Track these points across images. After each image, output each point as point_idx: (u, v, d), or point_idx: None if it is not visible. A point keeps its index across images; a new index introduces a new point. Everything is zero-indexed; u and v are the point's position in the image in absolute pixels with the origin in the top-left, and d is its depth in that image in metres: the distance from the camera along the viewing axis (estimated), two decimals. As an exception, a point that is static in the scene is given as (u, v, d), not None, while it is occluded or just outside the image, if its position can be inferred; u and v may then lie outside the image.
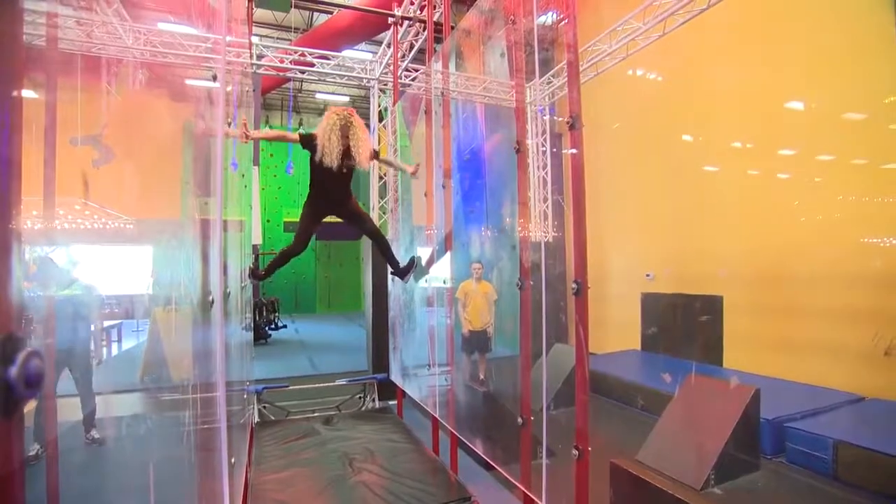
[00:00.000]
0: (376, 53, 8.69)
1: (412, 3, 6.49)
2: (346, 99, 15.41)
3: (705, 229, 6.24)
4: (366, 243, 11.32)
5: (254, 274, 3.87)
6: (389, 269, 3.98)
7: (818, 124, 5.06)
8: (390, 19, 6.27)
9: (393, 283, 6.16)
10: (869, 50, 4.37)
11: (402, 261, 3.96)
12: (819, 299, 5.01)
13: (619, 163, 7.28)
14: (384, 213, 7.76)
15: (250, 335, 6.41)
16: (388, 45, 7.63)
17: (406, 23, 6.57)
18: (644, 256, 7.36)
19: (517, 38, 3.23)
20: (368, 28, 8.76)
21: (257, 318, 11.33)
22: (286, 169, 14.78)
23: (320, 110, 15.99)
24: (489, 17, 3.72)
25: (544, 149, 8.12)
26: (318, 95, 15.88)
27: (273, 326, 12.32)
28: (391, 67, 7.31)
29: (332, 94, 15.29)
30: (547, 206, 8.01)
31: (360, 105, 13.84)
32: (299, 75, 7.67)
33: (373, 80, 8.22)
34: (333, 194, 3.42)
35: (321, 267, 18.15)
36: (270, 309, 12.51)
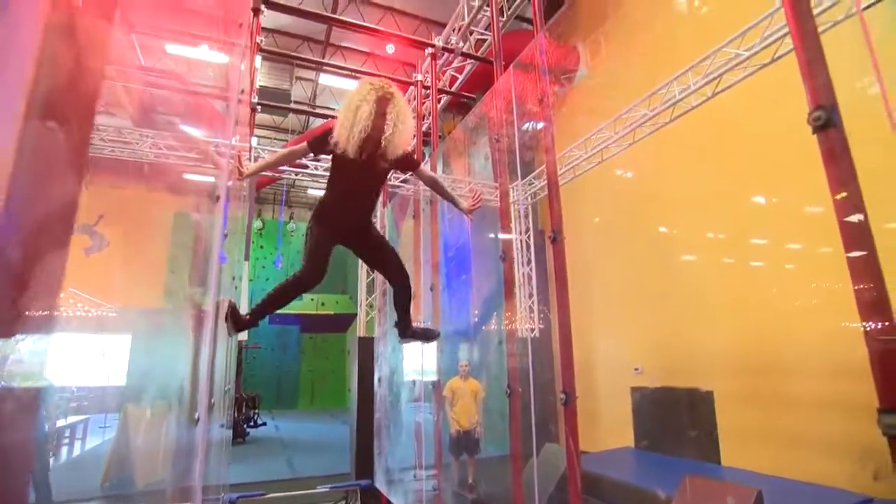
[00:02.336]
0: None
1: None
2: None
3: (690, 320, 6.34)
4: (353, 337, 11.13)
5: (235, 320, 2.44)
6: (396, 326, 2.93)
7: (784, 216, 5.37)
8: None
9: (379, 385, 6.03)
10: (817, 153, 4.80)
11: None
12: (811, 389, 4.96)
13: (604, 255, 7.54)
14: (371, 309, 7.78)
15: (229, 433, 6.11)
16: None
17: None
18: (632, 349, 7.37)
19: (500, 146, 3.54)
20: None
21: (236, 414, 10.82)
22: (275, 262, 14.93)
23: (311, 204, 16.56)
24: (475, 128, 4.08)
25: (528, 244, 8.42)
26: (309, 191, 16.54)
27: (252, 424, 11.73)
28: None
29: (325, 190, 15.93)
30: (532, 303, 8.13)
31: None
32: (294, 176, 8.07)
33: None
34: (351, 205, 2.46)
35: (306, 360, 17.67)
36: (250, 405, 11.99)
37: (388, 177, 2.78)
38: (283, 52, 8.02)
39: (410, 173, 2.79)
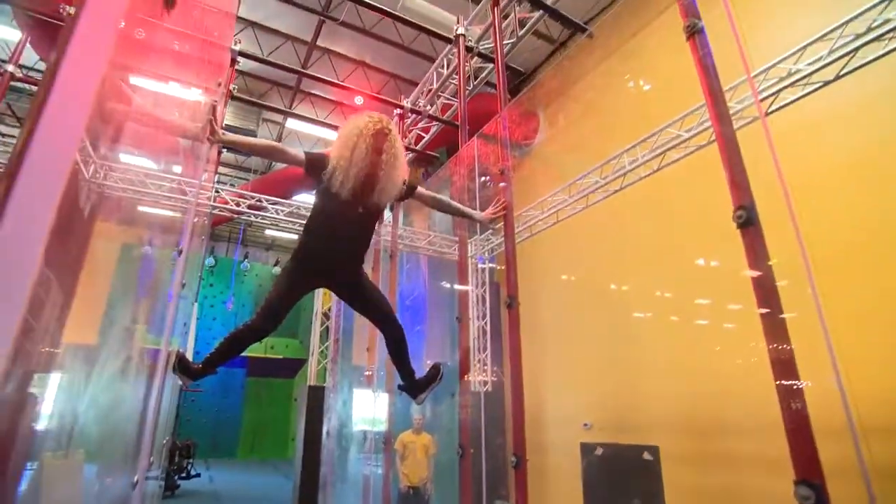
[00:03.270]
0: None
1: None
2: (295, 236, 15.85)
3: (638, 375, 6.54)
4: (302, 385, 10.74)
5: (185, 369, 2.27)
6: (401, 388, 2.60)
7: (724, 278, 5.74)
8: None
9: (327, 437, 5.83)
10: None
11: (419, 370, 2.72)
12: (751, 447, 5.14)
13: (557, 309, 7.76)
14: (324, 357, 7.63)
15: (159, 487, 5.67)
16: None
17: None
18: (582, 403, 7.49)
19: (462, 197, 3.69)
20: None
21: (167, 464, 10.03)
22: (226, 302, 14.37)
23: (268, 245, 16.24)
24: (437, 189, 4.24)
25: (484, 298, 8.57)
26: (267, 232, 16.29)
27: (185, 475, 10.87)
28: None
29: (283, 232, 15.73)
30: (486, 357, 8.21)
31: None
32: (252, 218, 8.00)
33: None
34: (342, 246, 2.25)
35: (249, 407, 16.68)
36: (184, 454, 11.13)
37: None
38: (252, 100, 8.10)
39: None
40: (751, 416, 5.15)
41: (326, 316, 8.11)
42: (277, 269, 14.40)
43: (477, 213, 2.64)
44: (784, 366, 1.65)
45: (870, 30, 4.16)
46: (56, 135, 0.67)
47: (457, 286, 9.33)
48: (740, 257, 2.03)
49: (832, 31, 4.34)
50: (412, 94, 5.67)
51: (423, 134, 6.67)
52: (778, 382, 1.64)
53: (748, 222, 1.75)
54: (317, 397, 6.45)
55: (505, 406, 7.75)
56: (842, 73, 4.38)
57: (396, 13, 5.92)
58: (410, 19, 6.24)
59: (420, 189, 2.46)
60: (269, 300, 2.22)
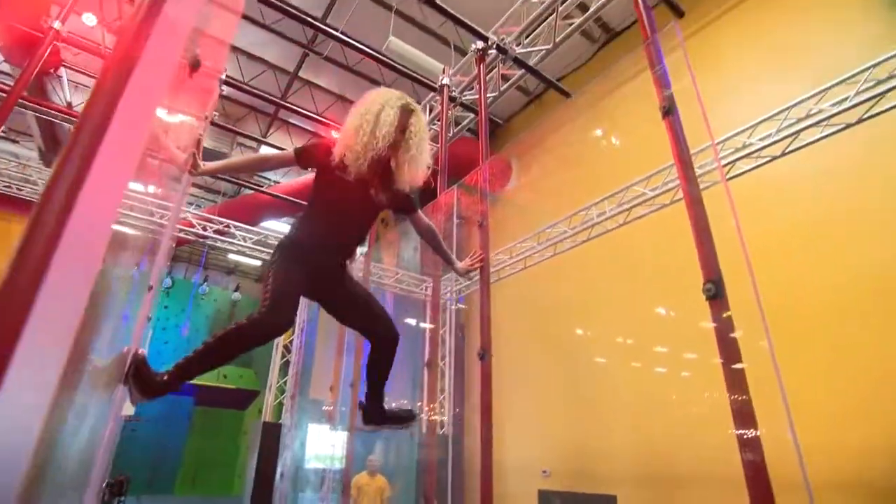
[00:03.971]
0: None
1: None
2: (259, 263, 15.48)
3: (598, 422, 6.60)
4: (253, 418, 10.18)
5: (144, 380, 1.71)
6: (361, 406, 2.20)
7: (683, 327, 5.94)
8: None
9: (281, 479, 5.57)
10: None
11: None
12: (706, 498, 5.21)
13: (519, 354, 7.82)
14: (281, 393, 7.35)
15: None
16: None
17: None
18: (542, 449, 7.47)
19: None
20: (293, 208, 9.43)
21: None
22: (181, 326, 13.71)
23: (229, 268, 15.78)
24: (407, 231, 4.29)
25: (446, 339, 8.56)
26: (230, 256, 15.82)
27: (113, 514, 10.01)
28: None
29: (247, 257, 15.34)
30: (443, 398, 8.14)
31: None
32: (219, 244, 7.82)
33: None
34: (336, 243, 1.97)
35: (194, 438, 15.54)
36: (115, 490, 10.30)
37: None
38: (228, 126, 8.06)
39: (403, 217, 2.17)
40: (705, 466, 5.26)
41: (287, 349, 7.85)
42: (238, 295, 13.88)
43: (457, 262, 2.41)
44: (743, 418, 1.74)
45: (808, 115, 4.59)
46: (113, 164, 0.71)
47: (423, 325, 9.30)
48: (697, 308, 2.13)
49: (778, 113, 4.77)
50: None
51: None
52: (738, 432, 1.73)
53: (716, 296, 1.87)
54: (272, 435, 6.15)
55: (464, 448, 7.64)
56: (787, 150, 4.78)
57: (381, 55, 6.08)
58: (395, 62, 6.41)
59: (420, 213, 2.15)
60: (274, 290, 1.75)
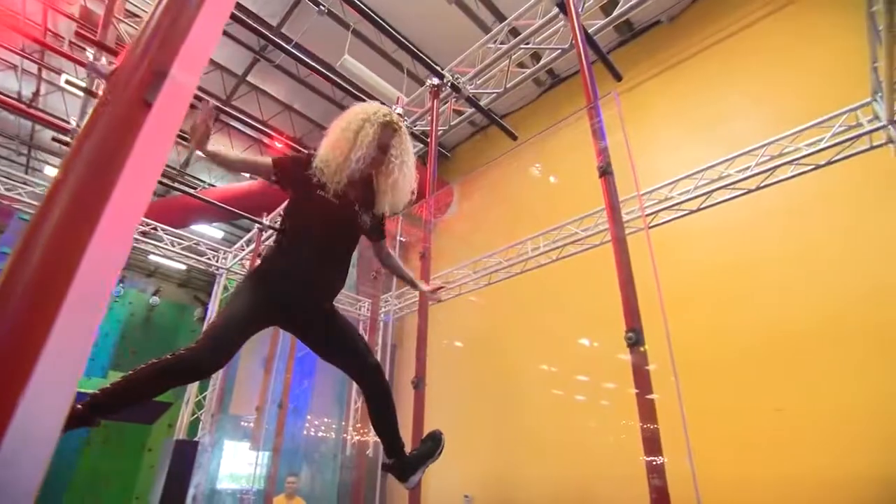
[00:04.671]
0: (232, 244, 8.85)
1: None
2: (184, 267, 14.60)
3: (521, 449, 6.80)
4: (161, 434, 9.43)
5: (83, 414, 1.49)
6: (388, 468, 1.95)
7: (603, 358, 6.29)
8: (256, 226, 6.70)
9: (193, 501, 5.25)
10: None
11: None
12: None
13: (446, 377, 7.92)
14: (199, 409, 6.94)
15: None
16: (249, 242, 7.92)
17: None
18: (465, 475, 7.57)
19: (376, 282, 3.81)
20: (227, 214, 9.08)
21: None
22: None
23: (150, 271, 14.75)
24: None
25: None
26: (151, 257, 14.80)
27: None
28: (244, 263, 7.57)
29: (171, 260, 14.43)
30: (357, 402, 8.06)
31: (199, 281, 13.14)
32: (142, 247, 7.36)
33: (222, 269, 8.18)
34: (323, 269, 1.76)
35: (88, 454, 13.92)
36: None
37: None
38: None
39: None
40: (622, 493, 5.56)
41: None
42: (157, 300, 12.92)
43: (422, 284, 2.23)
44: (652, 445, 1.95)
45: (721, 177, 5.18)
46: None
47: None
48: (617, 340, 2.33)
49: (695, 173, 5.34)
50: None
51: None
52: (647, 459, 1.93)
53: (637, 343, 2.09)
54: (185, 453, 5.72)
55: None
56: (702, 206, 5.35)
57: (329, 72, 6.02)
58: (341, 82, 6.30)
59: (385, 242, 2.05)
60: (217, 326, 1.59)
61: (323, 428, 8.93)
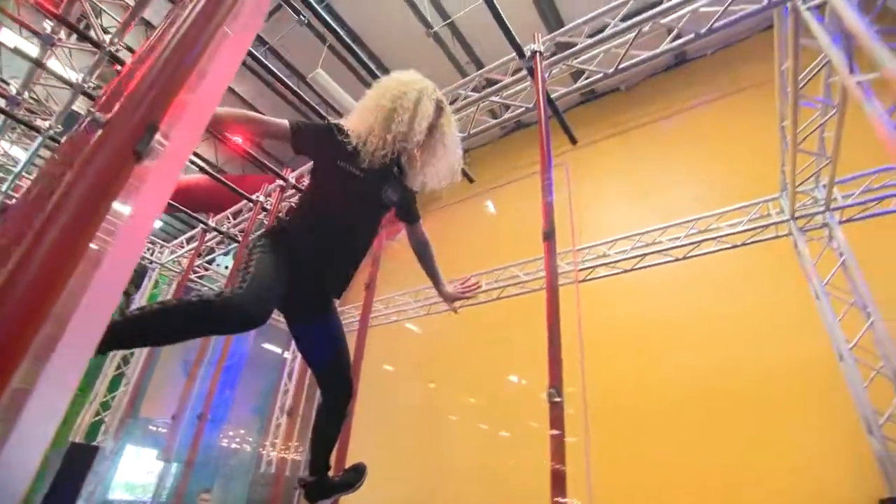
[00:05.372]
0: (173, 237, 8.46)
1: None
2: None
3: (443, 477, 6.81)
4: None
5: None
6: (303, 483, 1.83)
7: (527, 397, 6.47)
8: (200, 226, 6.48)
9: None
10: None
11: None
12: None
13: (376, 399, 7.87)
14: (105, 409, 6.42)
15: None
16: (190, 240, 7.61)
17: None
18: (387, 501, 7.46)
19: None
20: (167, 207, 8.69)
21: None
22: None
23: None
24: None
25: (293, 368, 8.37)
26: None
27: None
28: (181, 260, 7.28)
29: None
30: (279, 419, 7.83)
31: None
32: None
33: (156, 263, 7.78)
34: (347, 247, 1.64)
35: None
36: None
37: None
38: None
39: (401, 226, 1.95)
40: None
41: (126, 360, 6.98)
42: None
43: (445, 286, 2.02)
44: (559, 483, 2.08)
45: (655, 242, 5.62)
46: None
47: (286, 354, 8.95)
48: (545, 381, 2.47)
49: (631, 236, 5.76)
50: (297, 171, 5.70)
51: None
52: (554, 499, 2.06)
53: (557, 399, 2.25)
54: (79, 458, 5.16)
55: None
56: (636, 266, 5.76)
57: (299, 92, 5.87)
58: (303, 94, 6.12)
59: (421, 223, 1.96)
60: (256, 276, 1.39)
61: (238, 440, 8.54)
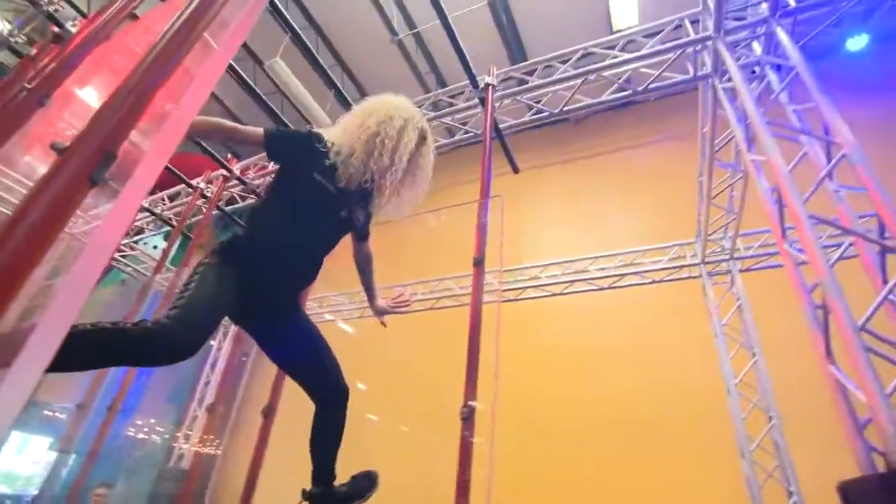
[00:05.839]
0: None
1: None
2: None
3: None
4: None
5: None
6: (308, 496, 1.77)
7: (450, 404, 6.62)
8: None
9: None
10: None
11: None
12: None
13: (296, 400, 7.77)
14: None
15: None
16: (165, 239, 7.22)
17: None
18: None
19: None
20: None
21: None
22: None
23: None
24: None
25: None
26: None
27: None
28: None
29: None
30: (196, 411, 7.58)
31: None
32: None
33: (75, 237, 7.27)
34: (303, 260, 1.64)
35: None
36: None
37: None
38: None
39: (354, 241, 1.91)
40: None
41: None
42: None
43: (378, 299, 2.06)
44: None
45: (584, 270, 6.01)
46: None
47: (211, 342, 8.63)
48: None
49: (563, 262, 6.12)
50: (241, 163, 5.53)
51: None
52: None
53: (468, 418, 2.42)
54: None
55: (219, 484, 7.11)
56: (565, 291, 6.11)
57: (268, 102, 5.72)
58: (257, 87, 5.96)
59: (369, 242, 1.99)
60: (192, 300, 1.29)
61: (146, 430, 8.13)
